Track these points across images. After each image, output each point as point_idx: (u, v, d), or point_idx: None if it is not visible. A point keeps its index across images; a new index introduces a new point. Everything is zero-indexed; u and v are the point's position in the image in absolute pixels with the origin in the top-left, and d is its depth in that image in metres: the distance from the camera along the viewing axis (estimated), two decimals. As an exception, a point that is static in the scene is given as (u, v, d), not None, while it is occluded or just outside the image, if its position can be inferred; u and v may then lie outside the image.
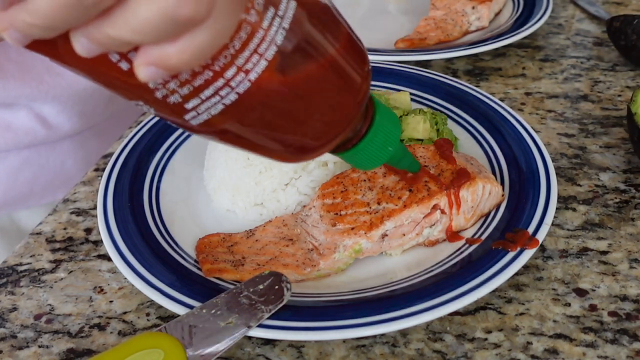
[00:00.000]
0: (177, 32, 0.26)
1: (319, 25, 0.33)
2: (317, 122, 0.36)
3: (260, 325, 0.46)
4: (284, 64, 0.31)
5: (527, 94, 0.80)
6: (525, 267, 0.54)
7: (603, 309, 0.51)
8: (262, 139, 0.35)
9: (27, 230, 0.84)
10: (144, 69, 0.27)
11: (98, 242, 0.59)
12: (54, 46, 0.28)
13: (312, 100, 0.34)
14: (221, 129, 0.34)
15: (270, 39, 0.30)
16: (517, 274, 0.53)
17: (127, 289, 0.55)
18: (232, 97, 0.31)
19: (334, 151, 0.41)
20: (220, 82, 0.30)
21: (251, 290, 0.48)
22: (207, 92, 0.31)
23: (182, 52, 0.26)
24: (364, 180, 0.56)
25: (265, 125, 0.34)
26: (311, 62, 0.33)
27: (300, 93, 0.33)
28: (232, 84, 0.30)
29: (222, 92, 0.31)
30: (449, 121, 0.69)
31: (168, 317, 0.52)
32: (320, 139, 0.37)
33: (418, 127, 0.64)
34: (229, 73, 0.30)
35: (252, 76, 0.31)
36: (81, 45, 0.26)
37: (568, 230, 0.59)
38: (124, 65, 0.29)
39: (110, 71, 0.29)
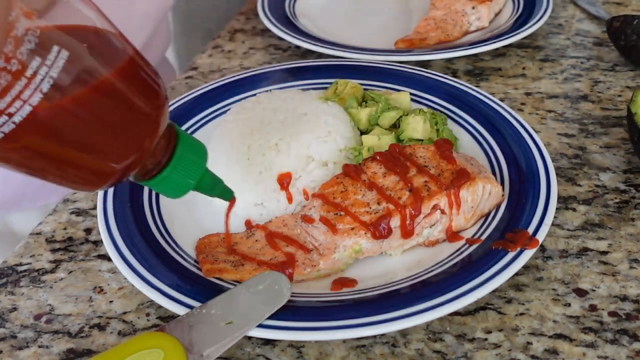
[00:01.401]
0: None
1: (94, 71, 0.34)
2: (98, 158, 0.37)
3: (260, 325, 0.46)
4: (53, 108, 0.32)
5: (527, 94, 0.80)
6: (525, 267, 0.54)
7: (603, 309, 0.51)
8: (44, 173, 0.36)
9: (20, 233, 0.84)
10: None
11: (98, 242, 0.60)
12: None
13: (90, 139, 0.35)
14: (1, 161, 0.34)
15: (35, 87, 0.31)
16: (517, 274, 0.53)
17: (127, 289, 0.55)
18: None
19: (137, 180, 0.42)
20: None
21: (251, 290, 0.48)
22: None
23: None
24: (364, 181, 0.56)
25: (43, 160, 0.35)
26: (84, 107, 0.34)
27: (73, 133, 0.34)
28: None
29: None
30: (449, 121, 0.69)
31: (168, 317, 0.52)
32: (106, 172, 0.38)
33: (418, 127, 0.64)
34: None
35: (17, 119, 0.31)
36: None
37: (568, 230, 0.59)
38: None
39: None
